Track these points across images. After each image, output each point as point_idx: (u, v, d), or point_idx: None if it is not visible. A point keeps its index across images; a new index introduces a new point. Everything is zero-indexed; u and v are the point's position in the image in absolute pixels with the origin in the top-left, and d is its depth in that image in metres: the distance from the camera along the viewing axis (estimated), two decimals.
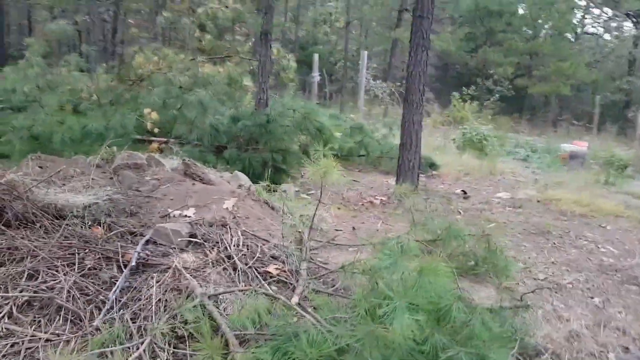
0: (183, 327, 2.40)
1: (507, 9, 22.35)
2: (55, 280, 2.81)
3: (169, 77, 7.14)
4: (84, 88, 6.90)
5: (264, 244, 3.66)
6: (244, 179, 4.96)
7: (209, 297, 2.66)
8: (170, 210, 3.92)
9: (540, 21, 24.06)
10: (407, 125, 5.72)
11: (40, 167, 4.17)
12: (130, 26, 11.20)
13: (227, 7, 8.19)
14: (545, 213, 5.50)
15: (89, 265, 3.02)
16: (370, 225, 4.88)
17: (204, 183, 4.48)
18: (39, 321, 2.53)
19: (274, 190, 5.31)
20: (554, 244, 4.38)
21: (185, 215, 3.87)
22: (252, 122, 5.86)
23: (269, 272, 3.29)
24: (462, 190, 6.61)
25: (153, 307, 2.63)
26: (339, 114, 9.05)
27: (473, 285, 3.38)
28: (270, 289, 2.96)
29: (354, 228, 4.72)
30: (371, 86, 18.09)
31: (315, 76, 15.18)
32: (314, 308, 2.50)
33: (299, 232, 4.14)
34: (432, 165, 7.91)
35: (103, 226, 3.50)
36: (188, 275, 2.86)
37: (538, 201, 6.09)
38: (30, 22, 22.12)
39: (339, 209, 5.55)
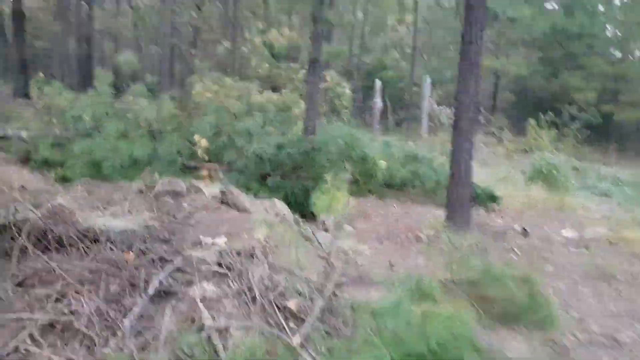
0: None
1: (588, 31, 21.15)
2: (79, 304, 2.95)
3: (223, 105, 7.47)
4: (144, 116, 7.39)
5: (289, 277, 3.63)
6: (282, 207, 5.01)
7: (217, 330, 2.66)
8: (202, 238, 4.04)
9: (629, 43, 22.51)
10: (456, 154, 5.50)
11: (88, 192, 4.51)
12: (192, 56, 12.05)
13: (283, 35, 8.50)
14: (614, 255, 4.99)
15: (114, 291, 3.15)
16: (411, 262, 4.69)
17: (239, 211, 4.59)
18: (57, 344, 2.66)
19: (312, 220, 5.30)
20: (618, 291, 3.94)
21: (216, 244, 3.96)
22: (296, 149, 5.94)
23: (289, 308, 3.24)
24: (522, 227, 6.19)
25: (162, 337, 2.68)
26: (393, 142, 8.91)
27: (511, 336, 3.11)
28: (288, 325, 2.91)
29: (391, 263, 4.56)
30: (436, 112, 17.74)
31: (377, 102, 15.19)
32: (318, 351, 2.42)
33: (329, 265, 4.07)
34: (492, 198, 7.50)
35: (136, 252, 3.66)
36: (201, 306, 2.89)
37: (608, 241, 5.55)
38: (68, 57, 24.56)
39: (381, 242, 5.42)
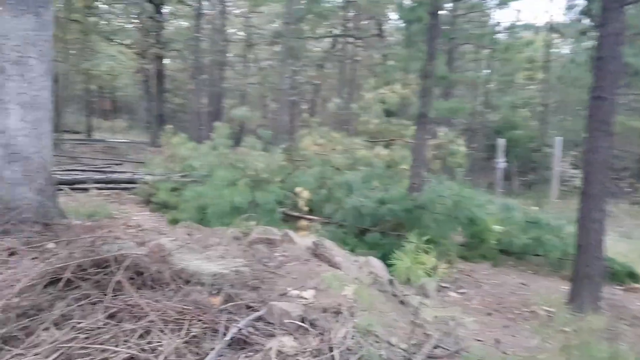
0: None
1: None
2: (159, 342, 3.06)
3: (327, 158, 7.66)
4: (254, 166, 7.86)
5: (375, 341, 3.42)
6: (377, 266, 4.83)
7: None
8: (289, 289, 4.02)
9: None
10: (584, 223, 4.90)
11: (188, 234, 4.81)
12: (302, 111, 12.73)
13: (394, 92, 8.61)
14: None
15: (195, 333, 3.22)
16: (522, 341, 4.16)
17: (330, 265, 4.52)
18: None
19: (410, 283, 5.01)
20: None
21: (302, 297, 3.90)
22: (399, 206, 5.79)
23: None
24: None
25: None
26: (515, 205, 8.28)
27: None
28: None
29: (497, 341, 4.08)
30: (569, 176, 16.32)
31: (500, 162, 14.45)
32: None
33: (423, 334, 3.76)
34: (632, 276, 6.51)
35: (223, 296, 3.75)
36: None
37: None
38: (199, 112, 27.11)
39: (489, 314, 4.92)
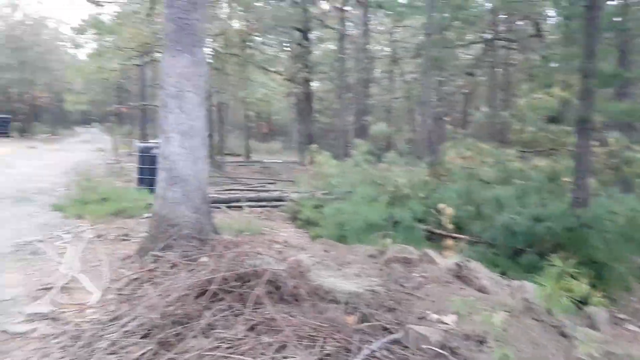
0: None
1: None
2: (294, 358, 3.13)
3: (474, 172, 7.22)
4: (395, 182, 7.76)
5: None
6: (532, 291, 4.31)
7: None
8: (428, 313, 3.82)
9: None
10: None
11: (325, 251, 4.89)
12: (448, 122, 12.18)
13: (551, 96, 7.78)
14: None
15: (328, 352, 3.23)
16: None
17: (475, 289, 4.17)
18: None
19: (575, 311, 4.37)
20: None
21: (443, 322, 3.67)
22: (559, 224, 5.15)
23: None
24: None
25: None
26: None
27: None
28: None
29: None
30: None
31: None
32: None
33: None
34: None
35: (358, 316, 3.71)
36: None
37: None
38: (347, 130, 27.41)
39: None
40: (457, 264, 4.40)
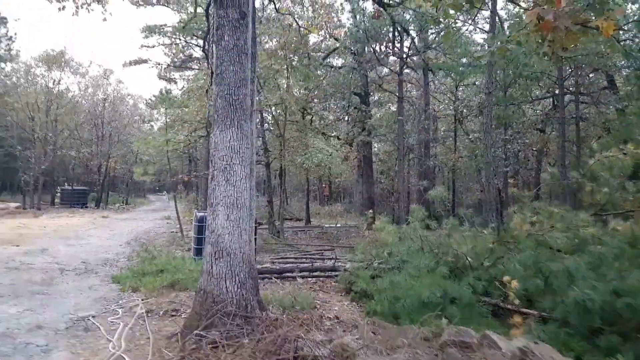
0: None
1: None
2: None
3: (542, 238, 6.71)
4: (455, 250, 7.35)
5: None
6: None
7: None
8: None
9: None
10: None
11: (374, 333, 4.60)
12: (510, 186, 11.59)
13: (625, 153, 7.21)
14: None
15: None
16: None
17: None
18: None
19: None
20: None
21: None
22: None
23: None
24: None
25: None
26: None
27: None
28: None
29: None
30: None
31: None
32: None
33: None
34: None
35: None
36: None
37: None
38: (409, 192, 26.82)
39: None
40: (521, 350, 3.97)
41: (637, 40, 15.33)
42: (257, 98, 16.70)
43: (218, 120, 5.26)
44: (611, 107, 18.38)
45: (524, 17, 5.22)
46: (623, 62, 17.54)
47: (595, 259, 6.06)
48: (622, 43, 13.67)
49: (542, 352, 4.27)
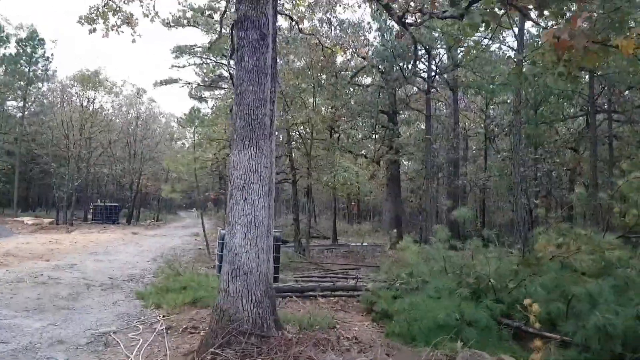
0: None
1: None
2: None
3: (567, 261, 6.58)
4: (478, 272, 7.27)
5: None
6: None
7: None
8: None
9: None
10: None
11: (387, 355, 4.59)
12: (538, 206, 11.37)
13: None
14: None
15: None
16: None
17: None
18: None
19: None
20: None
21: None
22: None
23: None
24: None
25: None
26: None
27: None
28: None
29: None
30: None
31: None
32: None
33: None
34: None
35: None
36: None
37: None
38: (437, 211, 26.42)
39: None
40: None
41: None
42: (284, 117, 17.07)
43: (237, 139, 5.42)
44: None
45: (541, 37, 5.24)
46: None
47: (621, 283, 5.91)
48: None
49: None
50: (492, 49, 23.40)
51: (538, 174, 22.14)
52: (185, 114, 22.11)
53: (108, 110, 35.89)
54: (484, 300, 6.14)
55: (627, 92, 20.39)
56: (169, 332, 5.95)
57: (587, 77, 18.72)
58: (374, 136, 30.66)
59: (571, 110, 24.58)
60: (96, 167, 33.48)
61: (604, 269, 6.59)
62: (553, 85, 16.26)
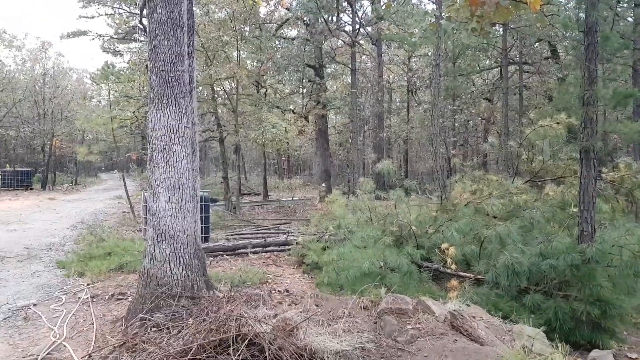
0: None
1: None
2: None
3: (480, 206, 7.05)
4: (399, 221, 7.62)
5: None
6: (535, 337, 4.10)
7: None
8: None
9: None
10: None
11: (317, 305, 4.77)
12: (454, 156, 12.08)
13: (558, 123, 7.60)
14: None
15: None
16: None
17: (471, 339, 3.99)
18: None
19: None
20: None
21: None
22: (563, 261, 4.95)
23: None
24: None
25: None
26: None
27: None
28: None
29: None
30: None
31: None
32: None
33: None
34: None
35: None
36: None
37: None
38: (364, 163, 27.36)
39: None
40: (452, 314, 4.24)
41: (576, 11, 15.92)
42: (207, 72, 16.41)
43: (154, 98, 5.16)
44: (553, 76, 19.12)
45: None
46: (565, 33, 18.23)
47: (527, 223, 6.46)
48: (563, 15, 14.12)
49: (473, 313, 4.59)
50: (413, 1, 23.67)
51: (456, 124, 23.21)
52: (98, 70, 20.58)
53: (9, 66, 32.71)
54: (406, 247, 6.49)
55: (536, 44, 21.57)
56: (94, 300, 5.77)
57: (500, 30, 19.54)
58: (301, 91, 30.43)
59: (486, 62, 25.67)
60: (1, 129, 30.71)
61: (513, 211, 7.17)
62: (467, 41, 16.86)
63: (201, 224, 7.18)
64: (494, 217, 7.09)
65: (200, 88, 17.46)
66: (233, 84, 18.50)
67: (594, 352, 4.14)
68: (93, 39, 27.29)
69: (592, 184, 5.40)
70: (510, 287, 5.21)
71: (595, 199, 5.43)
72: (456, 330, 4.15)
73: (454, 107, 21.66)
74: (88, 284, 6.54)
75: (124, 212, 16.17)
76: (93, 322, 4.95)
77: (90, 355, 4.00)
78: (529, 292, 5.23)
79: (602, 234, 5.44)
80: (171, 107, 5.16)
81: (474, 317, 4.45)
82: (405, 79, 29.86)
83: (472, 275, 6.01)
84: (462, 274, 6.21)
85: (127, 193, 15.49)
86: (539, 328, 4.37)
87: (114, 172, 50.93)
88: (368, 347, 3.91)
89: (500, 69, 23.01)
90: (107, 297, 5.89)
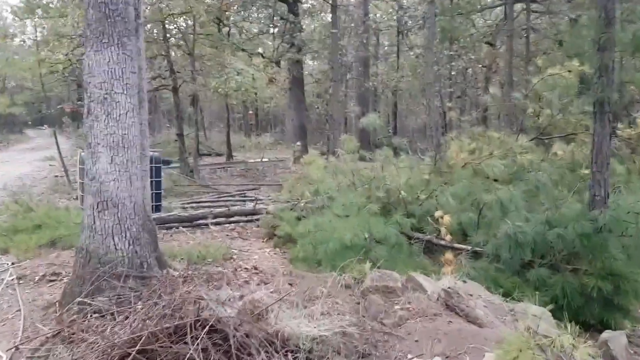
0: None
1: None
2: None
3: (479, 167, 7.08)
4: (388, 185, 7.62)
5: None
6: (540, 316, 4.17)
7: None
8: (409, 357, 3.71)
9: None
10: None
11: (290, 284, 4.77)
12: (450, 109, 12.06)
13: (569, 71, 7.60)
14: None
15: None
16: None
17: (468, 320, 4.06)
18: None
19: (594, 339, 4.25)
20: None
21: None
22: (572, 230, 5.02)
23: None
24: None
25: None
26: None
27: None
28: None
29: None
30: None
31: None
32: None
33: None
34: None
35: None
36: None
37: None
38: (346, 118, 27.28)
39: None
40: (446, 291, 4.28)
41: None
42: (157, 5, 15.84)
43: (91, 37, 4.90)
44: (565, 17, 19.08)
45: None
46: None
47: (532, 187, 6.53)
48: None
49: (470, 290, 4.64)
50: None
51: (453, 73, 23.17)
52: (22, 2, 19.67)
53: None
54: (395, 215, 6.52)
55: None
56: (21, 282, 5.64)
57: None
58: (272, 31, 29.79)
59: (489, 0, 25.47)
60: None
61: (516, 174, 7.24)
62: None
63: (151, 190, 6.98)
64: (495, 180, 7.14)
65: (149, 25, 16.88)
66: (189, 21, 17.94)
67: (606, 333, 4.26)
68: None
69: (607, 142, 5.46)
70: (513, 260, 5.29)
71: (609, 159, 5.51)
72: (451, 310, 4.20)
73: (451, 53, 21.53)
74: (13, 263, 6.39)
75: (56, 176, 15.81)
76: (20, 308, 4.85)
77: (17, 348, 3.92)
78: (533, 266, 5.33)
79: (617, 199, 5.55)
80: (113, 47, 4.91)
81: (471, 295, 4.51)
82: (394, 18, 29.39)
83: (469, 248, 6.09)
84: (458, 245, 6.29)
85: (59, 153, 15.12)
86: (545, 306, 4.45)
87: (43, 128, 49.37)
88: (350, 332, 3.92)
89: (505, 8, 22.86)
90: (37, 278, 5.76)
